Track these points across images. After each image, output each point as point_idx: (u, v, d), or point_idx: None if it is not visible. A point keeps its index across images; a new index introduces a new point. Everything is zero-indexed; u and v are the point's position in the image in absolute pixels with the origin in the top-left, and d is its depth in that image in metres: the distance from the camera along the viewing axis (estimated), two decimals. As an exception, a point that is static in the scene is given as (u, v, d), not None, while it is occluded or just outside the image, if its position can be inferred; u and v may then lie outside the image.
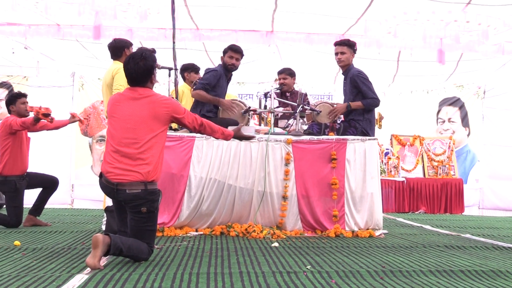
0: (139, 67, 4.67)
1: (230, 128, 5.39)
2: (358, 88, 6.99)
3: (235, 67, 7.28)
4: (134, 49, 7.13)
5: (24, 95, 7.45)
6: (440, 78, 13.43)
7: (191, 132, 5.10)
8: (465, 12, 8.68)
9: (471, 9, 8.68)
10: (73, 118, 7.78)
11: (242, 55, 7.32)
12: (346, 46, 7.16)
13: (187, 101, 7.97)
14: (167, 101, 4.76)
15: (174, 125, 6.74)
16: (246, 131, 5.56)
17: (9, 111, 7.38)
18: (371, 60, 11.34)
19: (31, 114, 7.23)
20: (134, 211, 4.57)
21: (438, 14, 8.67)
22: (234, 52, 7.24)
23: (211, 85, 7.04)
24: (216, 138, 5.24)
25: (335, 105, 7.17)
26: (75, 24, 10.37)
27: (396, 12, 8.62)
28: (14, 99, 7.34)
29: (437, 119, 13.92)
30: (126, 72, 4.73)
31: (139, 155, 4.55)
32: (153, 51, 7.49)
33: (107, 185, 4.60)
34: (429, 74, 13.15)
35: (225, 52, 7.29)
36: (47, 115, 7.14)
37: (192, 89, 7.38)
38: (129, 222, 4.64)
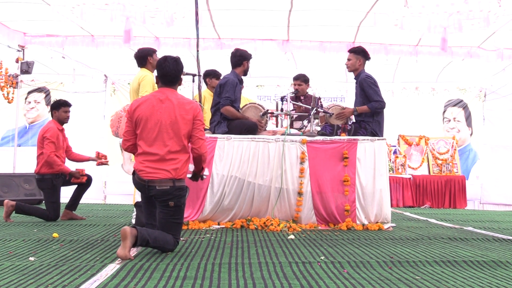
0: (177, 64, 4.73)
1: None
2: (365, 91, 6.97)
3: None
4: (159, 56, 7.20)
5: (68, 105, 7.46)
6: (444, 80, 13.41)
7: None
8: (467, 3, 8.56)
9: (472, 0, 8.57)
10: (97, 158, 7.75)
11: None
12: (353, 53, 7.16)
13: (209, 106, 7.97)
14: (195, 105, 4.76)
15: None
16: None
17: (52, 115, 7.45)
18: (379, 61, 11.35)
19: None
20: (163, 205, 4.59)
21: (441, 7, 8.57)
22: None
23: (234, 96, 7.00)
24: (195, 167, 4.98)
25: (345, 108, 7.19)
26: (107, 34, 10.48)
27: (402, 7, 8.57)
28: (59, 106, 7.38)
29: (443, 119, 13.81)
30: (163, 71, 4.71)
31: (169, 156, 4.57)
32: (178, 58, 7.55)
33: (139, 182, 4.63)
34: (434, 75, 13.17)
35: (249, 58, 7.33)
36: (78, 177, 7.29)
37: (220, 106, 7.21)
38: (157, 215, 4.66)
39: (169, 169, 4.56)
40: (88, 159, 7.75)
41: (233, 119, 6.98)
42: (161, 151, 4.57)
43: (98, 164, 7.79)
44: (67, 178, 7.24)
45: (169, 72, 4.70)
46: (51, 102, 7.81)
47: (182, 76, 4.99)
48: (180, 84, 4.88)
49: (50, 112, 7.49)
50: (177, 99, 4.69)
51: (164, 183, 4.54)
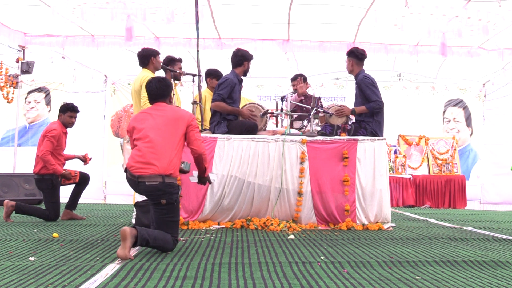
0: (160, 83, 4.90)
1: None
2: (363, 92, 6.99)
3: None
4: (161, 57, 7.20)
5: (75, 111, 7.45)
6: (444, 79, 13.42)
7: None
8: (466, 9, 8.57)
9: (472, 6, 8.57)
10: (82, 157, 7.79)
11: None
12: (347, 56, 7.30)
13: (209, 106, 7.95)
14: (189, 113, 4.93)
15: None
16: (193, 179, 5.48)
17: (59, 116, 7.44)
18: (379, 60, 11.36)
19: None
20: (154, 203, 4.65)
21: (441, 9, 8.58)
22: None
23: (227, 94, 7.00)
24: (198, 169, 5.11)
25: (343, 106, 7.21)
26: (107, 34, 10.48)
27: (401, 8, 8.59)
28: (66, 110, 7.38)
29: (443, 119, 13.79)
30: (147, 90, 4.96)
31: (159, 153, 4.65)
32: (180, 60, 7.56)
33: (131, 178, 4.71)
34: (434, 75, 13.18)
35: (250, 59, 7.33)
36: (69, 178, 7.30)
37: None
38: (152, 214, 4.70)
39: (158, 165, 4.62)
40: (73, 157, 7.75)
41: (224, 113, 7.00)
42: (152, 149, 4.66)
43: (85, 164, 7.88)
44: (59, 179, 7.21)
45: (152, 90, 4.92)
46: (60, 104, 7.77)
47: (173, 92, 5.18)
48: (170, 101, 5.07)
49: (58, 113, 7.48)
50: (171, 107, 4.92)
51: (153, 179, 4.60)
